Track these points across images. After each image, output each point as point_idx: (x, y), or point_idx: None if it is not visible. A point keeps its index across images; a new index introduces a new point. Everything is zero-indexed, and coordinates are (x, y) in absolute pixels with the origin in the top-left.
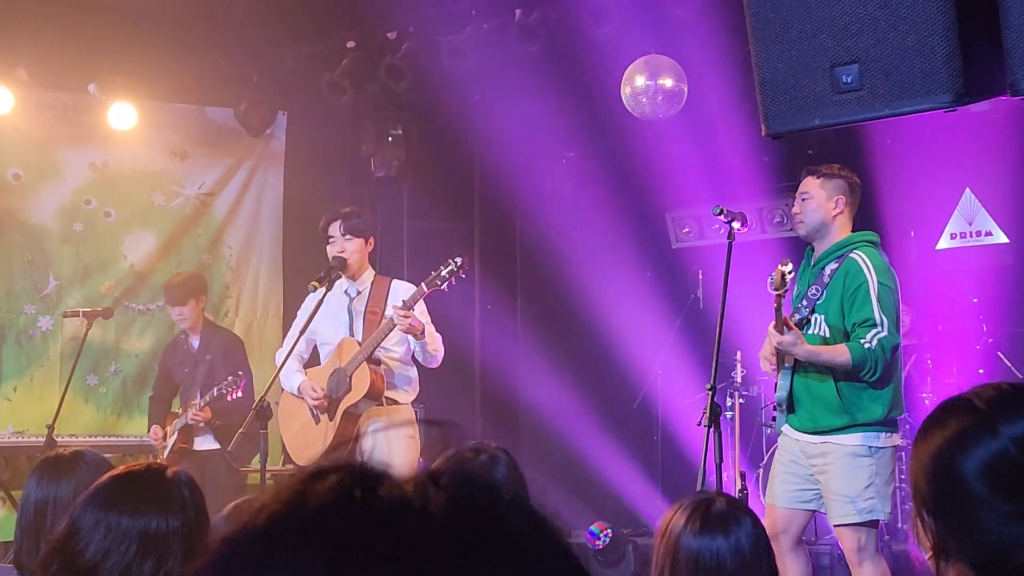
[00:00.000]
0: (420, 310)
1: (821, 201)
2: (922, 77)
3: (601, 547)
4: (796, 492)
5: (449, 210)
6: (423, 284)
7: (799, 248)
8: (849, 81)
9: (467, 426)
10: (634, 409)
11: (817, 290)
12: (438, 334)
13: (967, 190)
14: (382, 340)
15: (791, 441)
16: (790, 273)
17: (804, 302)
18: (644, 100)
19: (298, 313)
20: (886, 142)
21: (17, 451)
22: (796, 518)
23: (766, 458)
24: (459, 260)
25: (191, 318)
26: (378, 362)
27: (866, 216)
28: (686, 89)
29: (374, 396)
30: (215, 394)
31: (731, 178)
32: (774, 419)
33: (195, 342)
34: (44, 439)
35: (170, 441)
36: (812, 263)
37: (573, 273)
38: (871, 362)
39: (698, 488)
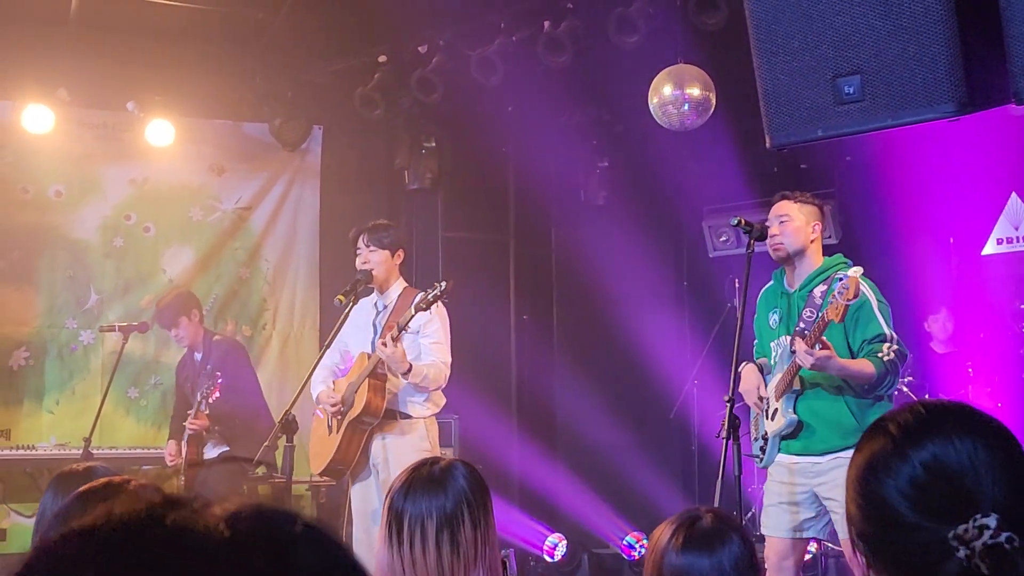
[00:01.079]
0: (436, 326)
1: (801, 225)
2: (924, 87)
3: (637, 558)
4: (794, 521)
5: (483, 221)
6: (412, 307)
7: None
8: (851, 92)
9: (505, 435)
10: (670, 419)
11: (812, 312)
12: (445, 361)
13: (1013, 194)
14: (377, 362)
15: (783, 469)
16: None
17: (801, 324)
18: (672, 110)
19: (337, 325)
20: (925, 145)
21: (59, 463)
22: (797, 547)
23: None
24: (444, 284)
25: (188, 335)
26: (381, 378)
27: (904, 222)
28: (713, 98)
29: (371, 412)
30: (198, 398)
31: (768, 186)
32: (762, 451)
33: (198, 356)
34: (81, 452)
35: (184, 455)
36: (799, 287)
37: (609, 283)
38: (891, 374)
39: (715, 502)
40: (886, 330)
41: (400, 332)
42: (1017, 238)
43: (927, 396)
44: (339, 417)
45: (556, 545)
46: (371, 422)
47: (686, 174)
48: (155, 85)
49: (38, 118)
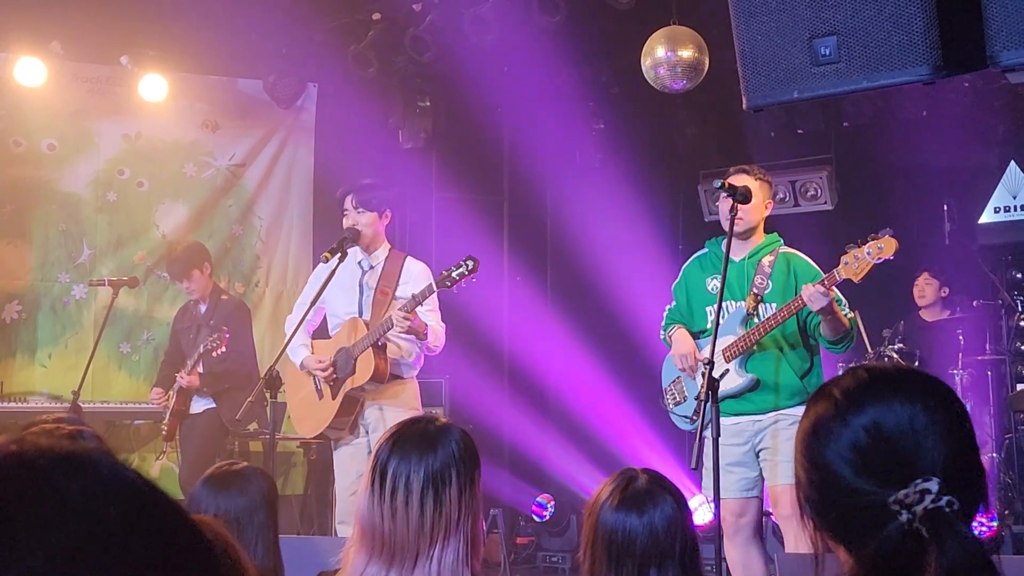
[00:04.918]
0: (430, 300)
1: (759, 203)
2: (899, 49)
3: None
4: (741, 481)
5: (478, 182)
6: (432, 282)
7: (832, 223)
8: (827, 53)
9: (495, 396)
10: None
11: (762, 280)
12: (442, 325)
13: (1012, 163)
14: (386, 331)
15: (722, 431)
16: None
17: (755, 289)
18: (663, 72)
19: (309, 280)
20: (923, 112)
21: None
22: (750, 505)
23: None
24: (471, 263)
25: (199, 287)
26: (384, 347)
27: (899, 188)
28: (706, 60)
29: (379, 380)
30: (201, 351)
31: (765, 151)
32: (696, 413)
33: (202, 308)
34: (70, 405)
35: (171, 403)
36: (747, 255)
37: (603, 246)
38: (854, 332)
39: (692, 464)
40: (842, 297)
41: (413, 308)
42: (1015, 207)
43: (917, 363)
44: (332, 382)
45: (545, 505)
46: (373, 388)
47: (683, 137)
48: (149, 39)
49: (31, 71)
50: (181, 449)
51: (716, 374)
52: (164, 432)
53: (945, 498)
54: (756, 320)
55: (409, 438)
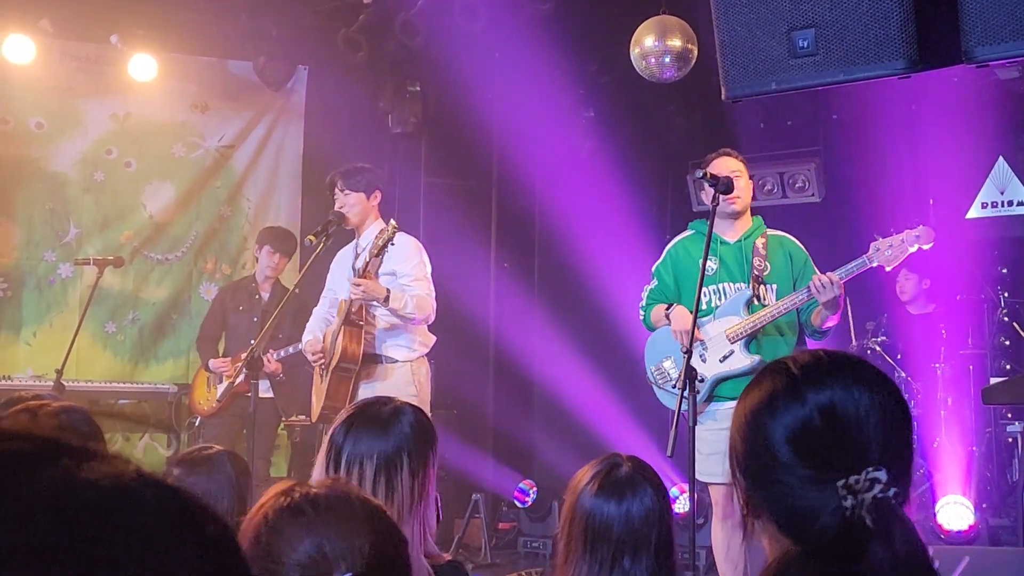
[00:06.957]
0: (414, 263)
1: (747, 182)
2: (876, 43)
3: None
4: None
5: (466, 168)
6: (366, 252)
7: (819, 214)
8: (805, 45)
9: (480, 382)
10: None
11: (760, 262)
12: (424, 294)
13: (1000, 159)
14: (350, 304)
15: (714, 416)
16: None
17: (755, 272)
18: (652, 61)
19: (303, 268)
20: (911, 106)
21: None
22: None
23: None
24: (389, 227)
25: (277, 272)
26: (356, 324)
27: (886, 182)
28: (695, 50)
29: (349, 359)
30: (290, 351)
31: (753, 141)
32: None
33: (265, 294)
34: (53, 383)
35: (237, 380)
36: (741, 237)
37: (591, 234)
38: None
39: (668, 452)
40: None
41: (363, 275)
42: (1002, 203)
43: (899, 356)
44: (324, 365)
45: (527, 491)
46: (351, 368)
47: (672, 128)
48: (139, 19)
49: (20, 48)
50: (207, 433)
51: (719, 355)
52: (210, 405)
53: (892, 489)
54: (759, 302)
55: (362, 422)
